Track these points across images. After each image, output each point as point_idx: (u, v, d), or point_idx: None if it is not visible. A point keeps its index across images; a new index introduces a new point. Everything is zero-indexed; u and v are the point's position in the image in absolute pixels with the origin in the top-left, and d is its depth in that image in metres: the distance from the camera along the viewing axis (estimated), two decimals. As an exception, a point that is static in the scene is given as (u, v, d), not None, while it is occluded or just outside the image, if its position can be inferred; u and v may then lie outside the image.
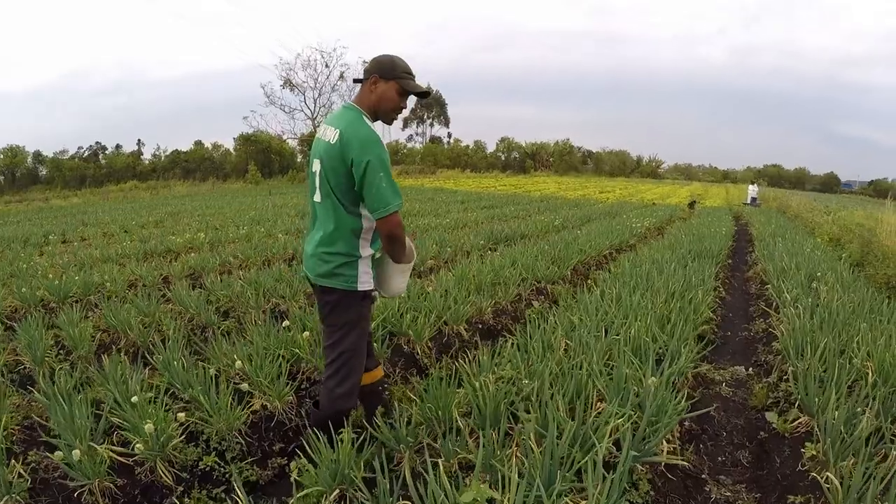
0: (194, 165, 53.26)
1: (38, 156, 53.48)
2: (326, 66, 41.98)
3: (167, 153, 57.01)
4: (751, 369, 4.51)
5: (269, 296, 6.07)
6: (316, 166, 2.72)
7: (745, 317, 6.20)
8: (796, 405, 3.38)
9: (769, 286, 6.58)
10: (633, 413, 2.82)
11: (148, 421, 2.93)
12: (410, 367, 4.61)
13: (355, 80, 2.81)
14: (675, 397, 3.07)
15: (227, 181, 43.39)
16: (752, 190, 29.92)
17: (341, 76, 42.31)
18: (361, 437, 2.79)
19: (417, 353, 4.73)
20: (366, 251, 2.75)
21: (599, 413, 2.76)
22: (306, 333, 4.28)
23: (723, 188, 52.41)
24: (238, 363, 3.83)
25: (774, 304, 5.86)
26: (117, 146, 57.93)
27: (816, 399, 3.14)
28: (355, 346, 2.79)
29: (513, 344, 4.00)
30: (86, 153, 56.23)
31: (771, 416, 3.43)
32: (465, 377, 3.41)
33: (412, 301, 5.37)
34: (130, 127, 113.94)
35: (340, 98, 42.62)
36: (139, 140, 59.15)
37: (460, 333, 5.06)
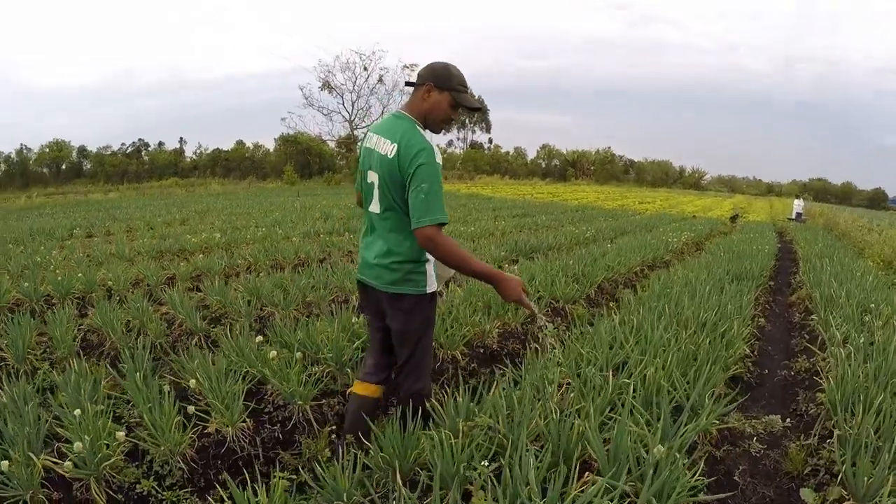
0: (235, 164, 53.90)
1: (82, 150, 54.87)
2: (365, 69, 41.91)
3: (208, 151, 57.81)
4: (788, 420, 3.83)
5: (264, 303, 5.75)
6: (372, 178, 2.72)
7: (786, 352, 5.48)
8: (839, 479, 2.74)
9: (814, 316, 5.85)
10: (630, 488, 2.25)
11: (82, 437, 2.76)
12: (392, 395, 4.10)
13: (408, 83, 2.85)
14: (690, 469, 2.49)
15: (266, 180, 43.56)
16: (798, 205, 28.44)
17: (380, 79, 42.23)
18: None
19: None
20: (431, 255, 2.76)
21: (583, 490, 2.18)
22: (273, 353, 3.89)
23: (767, 202, 50.49)
24: (192, 381, 3.58)
25: (820, 338, 5.15)
26: (160, 143, 59.03)
27: (865, 478, 2.51)
28: (427, 346, 2.92)
29: (504, 377, 3.45)
30: (128, 149, 57.39)
31: (806, 494, 2.77)
32: (434, 421, 2.90)
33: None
34: (174, 126, 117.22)
35: (379, 101, 42.63)
36: (181, 138, 60.36)
37: (456, 359, 4.52)
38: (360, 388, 3.07)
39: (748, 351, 4.82)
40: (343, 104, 43.39)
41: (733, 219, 23.26)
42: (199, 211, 17.55)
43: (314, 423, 3.53)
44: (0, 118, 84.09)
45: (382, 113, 40.60)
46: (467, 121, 76.30)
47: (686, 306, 5.15)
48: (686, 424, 2.85)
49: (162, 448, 2.93)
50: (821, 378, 4.09)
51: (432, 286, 2.81)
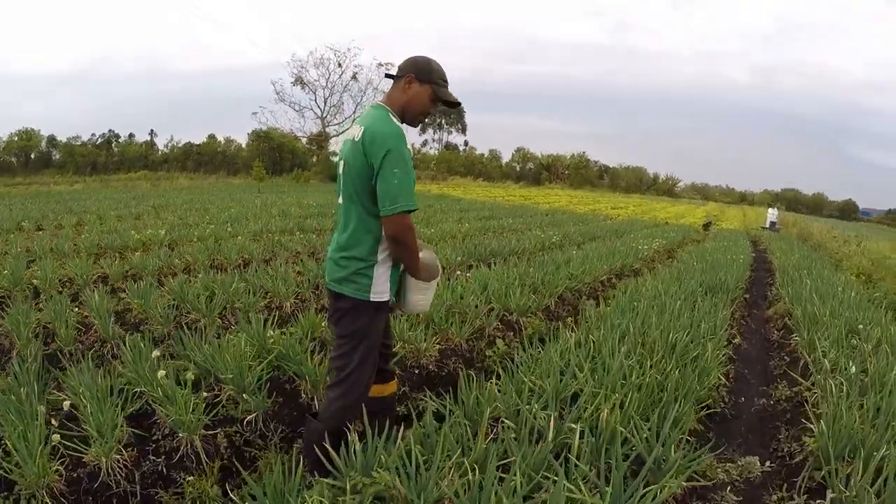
0: (206, 158, 52.81)
1: (51, 140, 53.39)
2: (339, 65, 41.31)
3: (180, 145, 56.56)
4: (768, 463, 3.23)
5: (189, 309, 5.25)
6: (341, 167, 2.63)
7: (765, 375, 4.86)
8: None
9: (795, 336, 5.25)
10: None
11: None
12: (300, 425, 3.52)
13: (387, 76, 2.75)
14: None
15: (237, 176, 42.56)
16: (772, 214, 28.15)
17: (354, 77, 41.61)
18: None
19: (315, 408, 3.63)
20: (384, 257, 2.58)
21: None
22: (162, 372, 3.34)
23: (740, 210, 50.45)
24: (67, 402, 3.18)
25: (802, 361, 4.56)
26: (130, 135, 57.55)
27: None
28: (363, 360, 2.62)
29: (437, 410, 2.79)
30: (99, 140, 55.86)
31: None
32: (326, 478, 2.26)
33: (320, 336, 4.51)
34: (146, 118, 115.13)
35: (352, 98, 42.11)
36: (151, 130, 58.86)
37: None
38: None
39: (723, 379, 4.19)
40: (315, 100, 42.77)
41: (706, 226, 22.92)
42: (157, 206, 16.87)
43: (203, 457, 3.00)
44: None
45: (355, 110, 40.01)
46: (443, 122, 75.84)
47: (654, 325, 4.51)
48: (646, 485, 2.22)
49: (27, 481, 2.57)
50: (805, 410, 3.51)
51: (378, 296, 2.58)
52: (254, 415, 3.36)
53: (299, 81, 41.98)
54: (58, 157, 52.65)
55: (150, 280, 6.34)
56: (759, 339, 6.05)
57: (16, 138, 51.00)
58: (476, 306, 5.24)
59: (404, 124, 2.61)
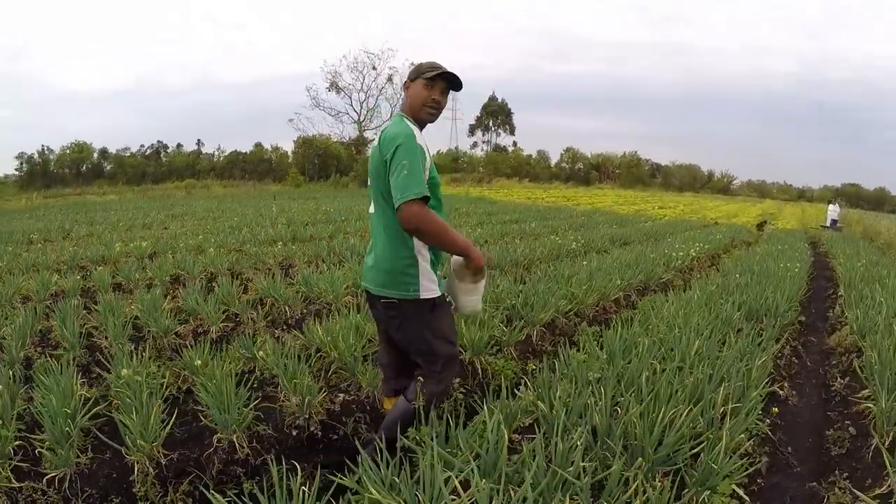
0: (252, 166, 53.32)
1: (103, 152, 54.79)
2: (374, 68, 40.51)
3: (226, 153, 57.44)
4: None
5: (105, 333, 4.78)
6: (370, 179, 2.70)
7: (818, 456, 3.24)
8: None
9: (867, 395, 3.59)
10: None
11: None
12: (114, 490, 2.78)
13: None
14: None
15: (282, 182, 42.31)
16: (833, 211, 25.35)
17: (389, 79, 40.81)
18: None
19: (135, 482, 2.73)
20: (425, 251, 2.60)
21: None
22: None
23: (798, 207, 46.96)
24: None
25: (874, 443, 3.03)
26: (178, 145, 58.85)
27: None
28: (439, 350, 2.66)
29: None
30: (147, 151, 57.16)
31: None
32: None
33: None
34: (194, 129, 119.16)
35: (387, 101, 41.36)
36: (198, 140, 60.26)
37: (233, 445, 2.66)
38: (390, 404, 2.88)
39: (741, 492, 2.60)
40: (351, 104, 42.25)
41: (760, 226, 20.90)
42: (175, 215, 16.63)
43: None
44: (25, 119, 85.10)
45: (391, 113, 39.22)
46: (490, 123, 74.83)
47: (645, 386, 3.03)
48: None
49: None
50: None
51: (429, 292, 2.58)
52: (59, 473, 2.79)
53: (334, 86, 41.48)
54: (109, 168, 54.03)
55: (104, 296, 5.90)
56: (815, 387, 4.38)
57: (68, 151, 52.47)
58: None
59: (417, 126, 2.60)
